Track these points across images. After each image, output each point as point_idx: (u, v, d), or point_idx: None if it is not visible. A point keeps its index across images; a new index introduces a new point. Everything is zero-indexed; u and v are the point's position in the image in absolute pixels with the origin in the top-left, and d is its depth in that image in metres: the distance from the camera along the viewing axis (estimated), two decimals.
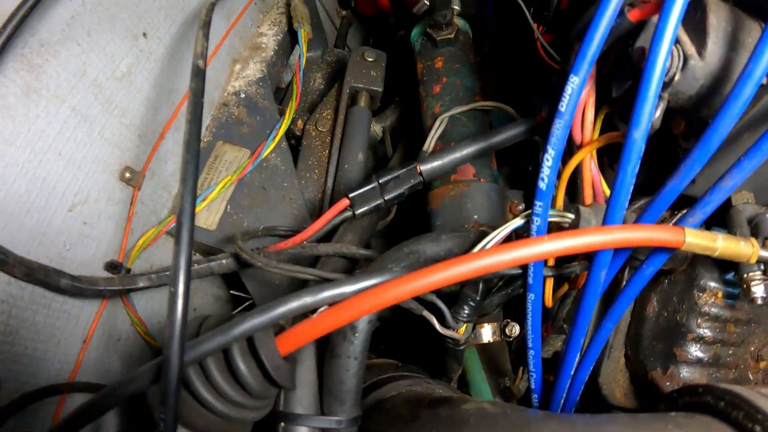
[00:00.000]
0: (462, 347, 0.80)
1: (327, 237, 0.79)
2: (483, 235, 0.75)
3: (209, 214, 0.92)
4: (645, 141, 0.55)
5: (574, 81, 0.58)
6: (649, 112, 0.55)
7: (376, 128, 1.12)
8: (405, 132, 1.15)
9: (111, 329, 0.84)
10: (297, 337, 0.58)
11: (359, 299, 0.55)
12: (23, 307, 0.68)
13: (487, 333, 0.91)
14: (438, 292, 0.67)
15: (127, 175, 0.83)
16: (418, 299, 0.66)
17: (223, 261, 0.78)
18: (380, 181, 0.76)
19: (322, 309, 0.57)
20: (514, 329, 0.92)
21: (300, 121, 1.06)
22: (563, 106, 0.59)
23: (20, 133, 0.67)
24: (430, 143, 0.93)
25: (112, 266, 0.82)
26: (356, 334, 0.60)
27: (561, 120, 0.60)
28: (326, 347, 0.62)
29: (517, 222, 0.68)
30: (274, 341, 0.57)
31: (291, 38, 1.14)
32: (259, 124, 1.00)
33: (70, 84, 0.74)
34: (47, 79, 0.70)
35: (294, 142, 1.05)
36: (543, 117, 0.84)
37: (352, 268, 0.74)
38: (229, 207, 0.93)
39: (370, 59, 1.06)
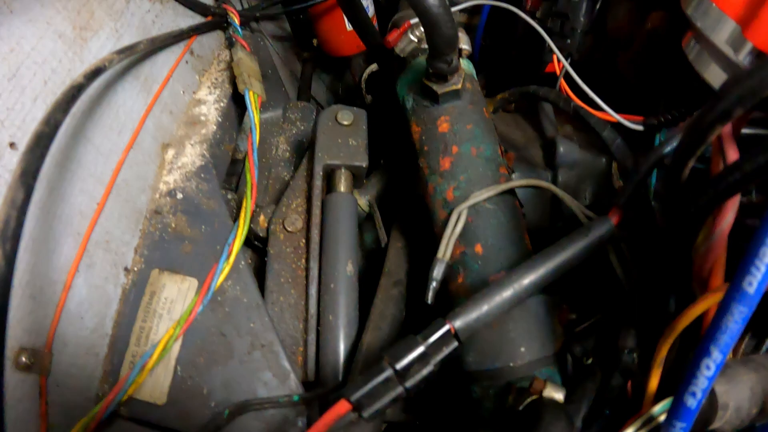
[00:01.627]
0: None
1: None
2: None
3: (155, 383, 0.65)
4: None
5: None
6: None
7: (361, 202, 0.85)
8: (396, 202, 0.87)
9: None
10: None
11: None
12: None
13: None
14: None
15: (24, 359, 0.56)
16: None
17: None
18: (397, 368, 0.49)
19: None
20: None
21: (263, 217, 0.78)
22: (752, 284, 0.33)
23: None
24: (446, 248, 0.67)
25: None
26: None
27: (744, 307, 0.34)
28: None
29: None
30: None
31: (240, 100, 0.86)
32: (207, 237, 0.72)
33: None
34: None
35: (245, 266, 0.76)
36: (620, 217, 0.58)
37: None
38: (179, 368, 0.66)
39: (345, 123, 0.78)
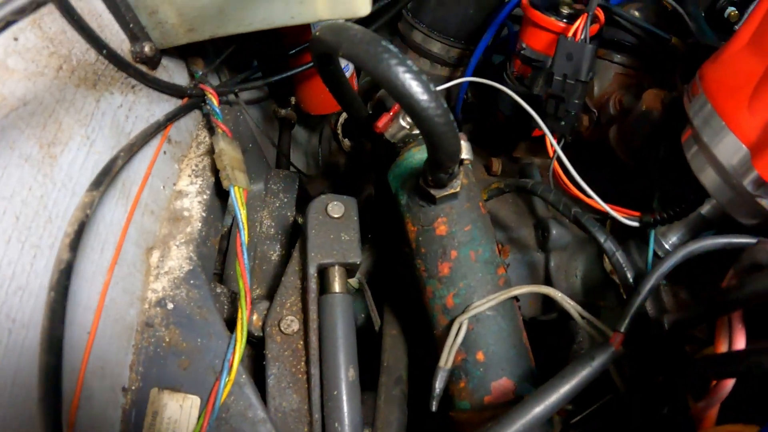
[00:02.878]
0: None
1: None
2: None
3: None
4: None
5: None
6: None
7: (351, 280, 0.85)
8: (388, 288, 0.87)
9: None
10: None
11: None
12: None
13: None
14: None
15: None
16: None
17: None
18: None
19: None
20: None
21: (257, 315, 0.77)
22: None
23: None
24: (448, 356, 0.68)
25: None
26: None
27: None
28: None
29: None
30: None
31: (220, 197, 0.82)
32: (203, 350, 0.70)
33: None
34: None
35: (246, 378, 0.74)
36: (622, 341, 0.59)
37: None
38: None
39: (336, 216, 0.76)
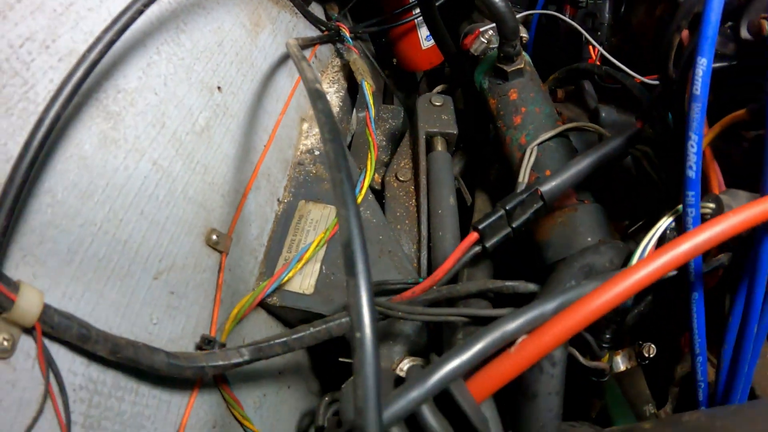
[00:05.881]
0: (605, 379, 0.74)
1: (452, 280, 0.73)
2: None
3: (303, 278, 0.85)
4: None
5: (702, 63, 0.55)
6: None
7: None
8: (476, 177, 1.11)
9: (206, 415, 0.72)
10: (494, 380, 0.50)
11: (565, 317, 0.48)
12: (106, 393, 0.56)
13: (623, 360, 0.83)
14: None
15: (214, 237, 0.76)
16: None
17: (343, 321, 0.71)
18: (507, 208, 0.72)
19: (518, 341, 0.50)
20: (651, 349, 0.85)
21: (377, 175, 1.02)
22: (697, 89, 0.56)
23: (98, 187, 0.58)
24: (524, 175, 0.90)
25: (206, 342, 0.72)
26: (555, 366, 0.53)
27: (698, 103, 0.57)
28: (514, 390, 0.55)
29: (668, 220, 0.63)
30: (468, 391, 0.50)
31: (350, 96, 1.12)
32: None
33: (150, 136, 0.66)
34: (125, 129, 0.62)
35: (373, 197, 1.00)
36: (642, 124, 0.81)
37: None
38: (323, 268, 0.87)
39: (437, 104, 1.04)
